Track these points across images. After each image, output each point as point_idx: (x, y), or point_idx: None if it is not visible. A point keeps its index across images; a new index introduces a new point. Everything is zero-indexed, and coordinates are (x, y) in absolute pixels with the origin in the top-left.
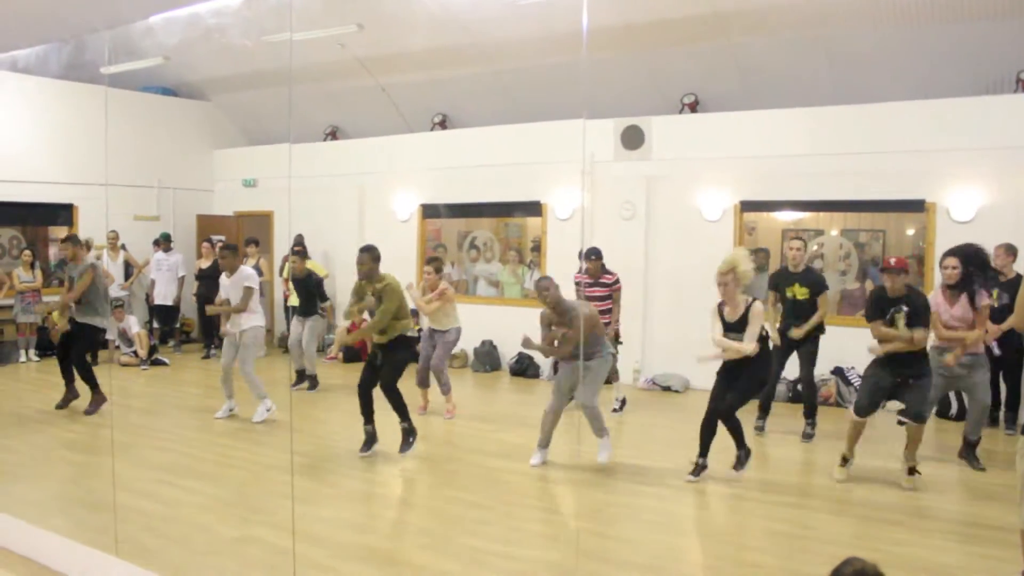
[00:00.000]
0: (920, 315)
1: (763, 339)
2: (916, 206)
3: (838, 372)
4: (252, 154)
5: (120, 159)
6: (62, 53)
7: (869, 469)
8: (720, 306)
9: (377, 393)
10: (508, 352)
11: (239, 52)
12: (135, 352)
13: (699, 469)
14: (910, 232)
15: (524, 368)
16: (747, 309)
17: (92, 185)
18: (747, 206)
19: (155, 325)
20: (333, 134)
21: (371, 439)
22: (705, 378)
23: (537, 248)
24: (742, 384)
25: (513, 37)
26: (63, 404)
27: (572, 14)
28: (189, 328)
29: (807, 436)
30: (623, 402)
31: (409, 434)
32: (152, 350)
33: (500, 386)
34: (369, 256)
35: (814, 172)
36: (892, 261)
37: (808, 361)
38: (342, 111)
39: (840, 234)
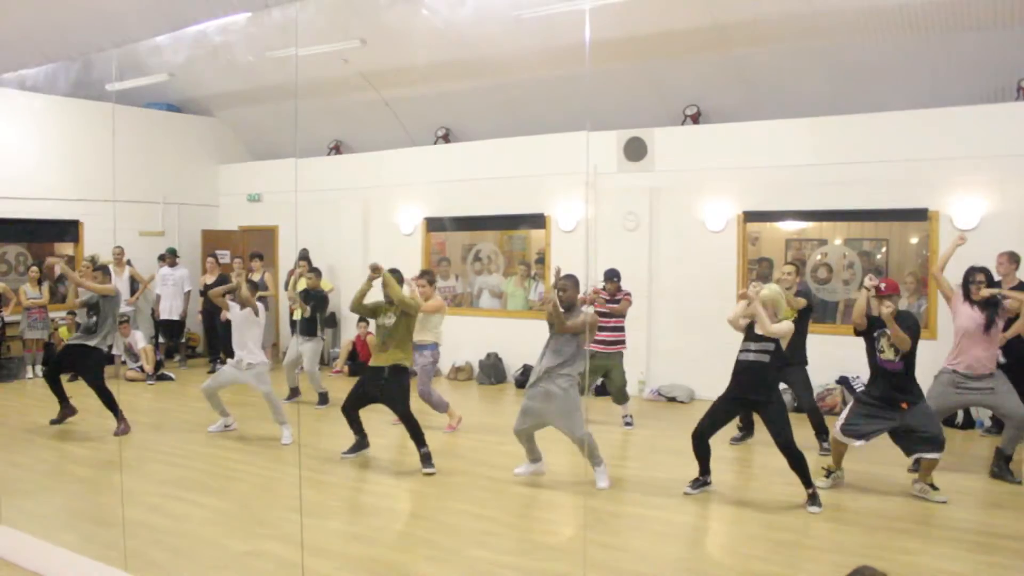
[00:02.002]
0: (912, 331)
1: (780, 354)
2: (919, 215)
3: (843, 381)
4: (257, 169)
5: (126, 175)
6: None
7: (874, 477)
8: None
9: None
10: (513, 364)
11: (243, 68)
12: (141, 367)
13: (699, 484)
14: (913, 241)
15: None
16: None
17: (98, 201)
18: (750, 216)
19: (161, 340)
20: (337, 148)
21: (359, 445)
22: (710, 389)
23: (541, 260)
24: (770, 416)
25: (516, 50)
26: (58, 420)
27: (574, 27)
28: (195, 343)
29: (826, 450)
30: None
31: (427, 458)
32: (158, 365)
33: (505, 398)
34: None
35: (817, 182)
36: (882, 286)
37: (804, 389)
38: (346, 125)
39: (843, 243)
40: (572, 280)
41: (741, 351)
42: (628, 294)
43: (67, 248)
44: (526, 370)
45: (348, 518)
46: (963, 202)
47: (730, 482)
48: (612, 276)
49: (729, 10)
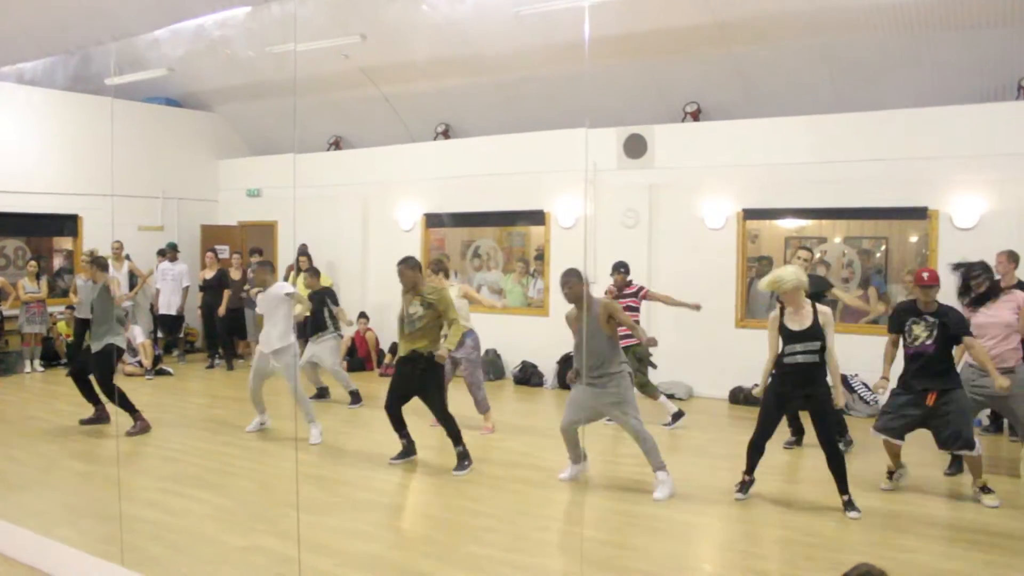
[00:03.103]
0: (957, 329)
1: (824, 349)
2: (919, 213)
3: (843, 380)
4: (256, 164)
5: (125, 170)
6: (68, 65)
7: (876, 476)
8: (781, 317)
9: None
10: (512, 361)
11: (243, 63)
12: (140, 362)
13: (746, 486)
14: (913, 239)
15: (528, 377)
16: (815, 316)
17: (97, 196)
18: (750, 214)
19: (159, 335)
20: (337, 144)
21: (407, 451)
22: (709, 386)
23: (541, 257)
24: (818, 407)
25: (516, 47)
26: (90, 421)
27: (574, 24)
28: (193, 338)
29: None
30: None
31: (464, 458)
32: (156, 360)
33: (504, 395)
34: (407, 267)
35: (816, 180)
36: (926, 276)
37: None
38: (346, 121)
39: (843, 242)
40: (573, 275)
41: (787, 354)
42: (640, 287)
43: (66, 242)
44: (524, 366)
45: (347, 515)
46: (963, 201)
47: (730, 480)
48: (619, 268)
49: (729, 7)
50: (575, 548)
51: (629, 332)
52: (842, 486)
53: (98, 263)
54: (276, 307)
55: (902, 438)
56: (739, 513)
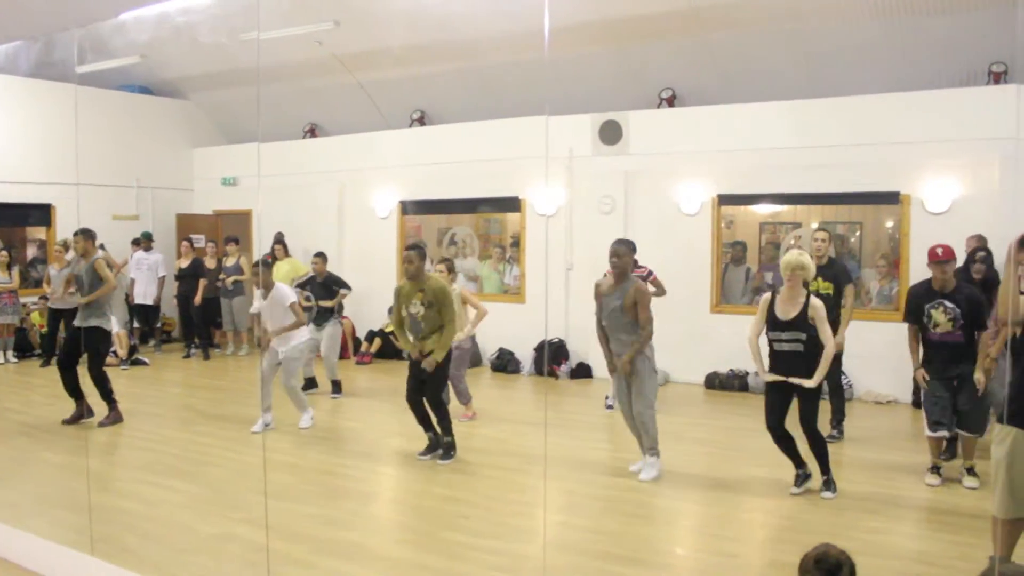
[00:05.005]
0: (976, 313)
1: (815, 339)
2: (891, 198)
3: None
4: (231, 152)
5: (98, 158)
6: (31, 52)
7: (845, 458)
8: (772, 301)
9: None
10: (489, 348)
11: (216, 50)
12: (115, 352)
13: (801, 480)
14: (888, 224)
15: (504, 364)
16: (805, 308)
17: (70, 185)
18: (725, 200)
19: (135, 325)
20: (312, 131)
21: (434, 445)
22: (685, 371)
23: (517, 244)
24: (802, 396)
25: (491, 33)
26: (72, 420)
27: (550, 10)
28: (170, 327)
29: (832, 439)
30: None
31: (451, 448)
32: (132, 350)
33: (481, 382)
34: (418, 255)
35: (791, 165)
36: (940, 251)
37: (834, 367)
38: (321, 108)
39: (817, 227)
40: (628, 245)
41: (773, 340)
42: (649, 271)
43: (39, 232)
44: (502, 354)
45: (322, 502)
46: (935, 185)
47: (707, 465)
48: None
49: None
50: (550, 534)
51: None
52: (824, 467)
53: (87, 235)
54: (283, 315)
55: (950, 429)
56: (713, 498)
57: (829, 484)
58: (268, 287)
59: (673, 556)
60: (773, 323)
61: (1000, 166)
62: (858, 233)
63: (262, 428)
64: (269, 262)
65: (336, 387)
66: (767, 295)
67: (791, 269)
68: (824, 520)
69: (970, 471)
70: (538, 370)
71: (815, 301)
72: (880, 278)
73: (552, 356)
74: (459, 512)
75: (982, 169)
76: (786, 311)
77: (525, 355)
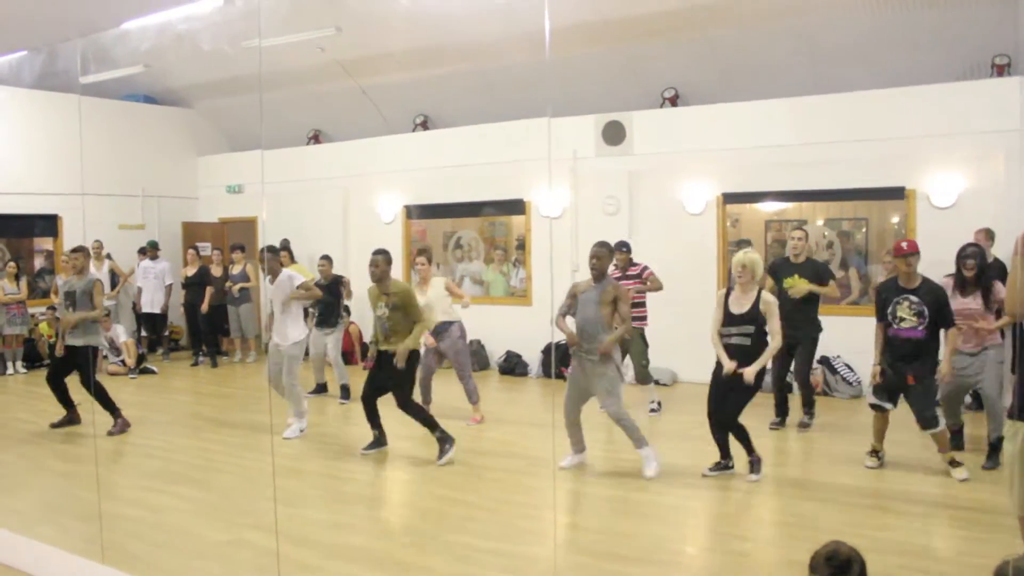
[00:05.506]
0: (941, 310)
1: (762, 334)
2: (896, 193)
3: (824, 361)
4: (235, 160)
5: (103, 168)
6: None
7: (856, 456)
8: (727, 297)
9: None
10: (496, 351)
11: (220, 58)
12: (123, 361)
13: (720, 467)
14: (894, 220)
15: (512, 367)
16: (756, 302)
17: (76, 195)
18: (729, 198)
19: (143, 333)
20: (316, 137)
21: (378, 441)
22: (693, 371)
23: (522, 246)
24: (738, 388)
25: (492, 35)
26: (60, 424)
27: (552, 12)
28: (177, 336)
29: (804, 425)
30: (659, 404)
31: (445, 442)
32: (140, 359)
33: (489, 385)
34: (383, 259)
35: (795, 162)
36: (904, 245)
37: (803, 363)
38: (324, 114)
39: (824, 224)
40: (608, 248)
41: (724, 335)
42: (644, 267)
43: (46, 243)
44: (509, 356)
45: (329, 507)
46: (940, 180)
47: (712, 463)
48: (622, 247)
49: None
50: (559, 535)
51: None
52: (748, 447)
53: (87, 253)
54: (289, 301)
55: (895, 403)
56: (721, 496)
57: (754, 466)
58: (275, 273)
59: (683, 556)
60: (727, 318)
61: (1005, 159)
62: (864, 229)
63: (297, 434)
64: (276, 248)
65: (345, 392)
66: (722, 291)
67: (739, 267)
68: (833, 517)
69: (952, 463)
70: (546, 372)
71: (767, 296)
72: (887, 274)
73: (560, 358)
74: (467, 515)
75: (987, 163)
76: (738, 306)
77: (532, 357)
